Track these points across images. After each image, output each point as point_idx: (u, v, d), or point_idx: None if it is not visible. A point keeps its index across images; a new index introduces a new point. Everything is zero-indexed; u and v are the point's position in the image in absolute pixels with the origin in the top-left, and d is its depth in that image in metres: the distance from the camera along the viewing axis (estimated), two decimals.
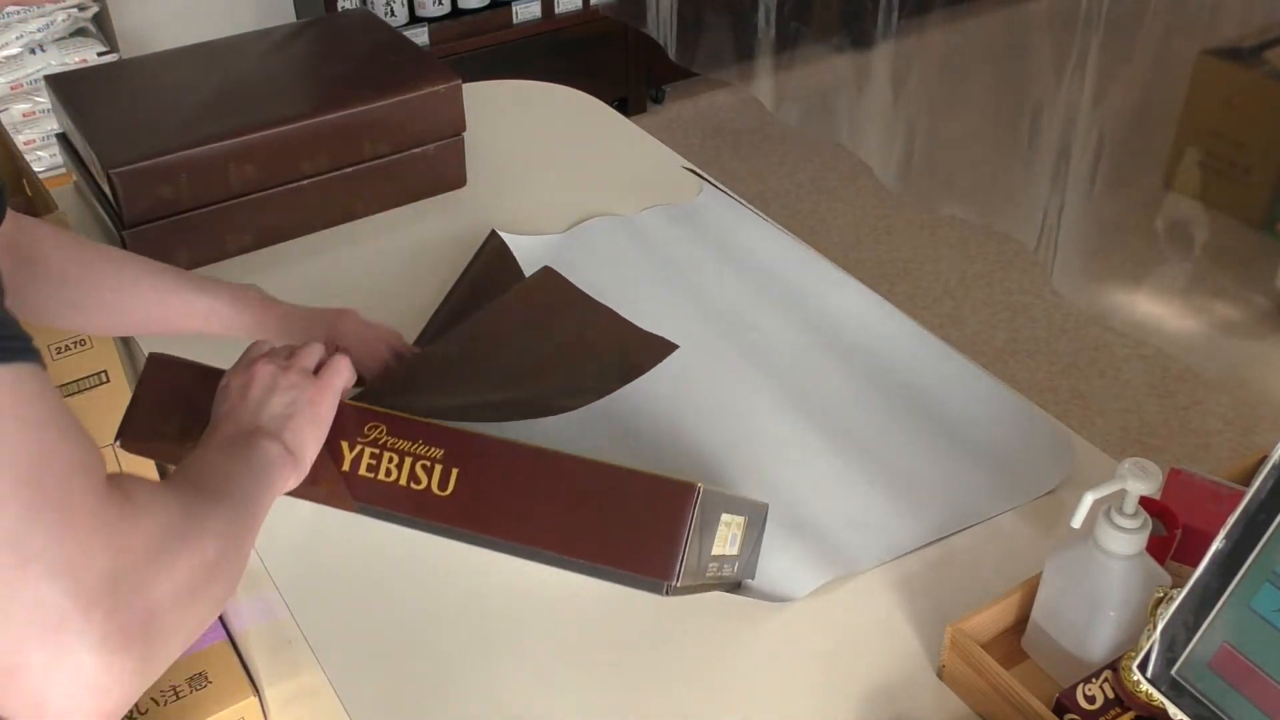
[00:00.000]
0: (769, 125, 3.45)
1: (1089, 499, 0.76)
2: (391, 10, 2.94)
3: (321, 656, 0.90)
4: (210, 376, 0.84)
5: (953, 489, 1.03)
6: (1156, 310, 2.52)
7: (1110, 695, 0.79)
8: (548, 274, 1.23)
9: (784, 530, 0.98)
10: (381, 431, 0.82)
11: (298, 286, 1.16)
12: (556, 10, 3.16)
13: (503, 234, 1.33)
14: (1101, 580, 0.80)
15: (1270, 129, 2.27)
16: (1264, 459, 0.69)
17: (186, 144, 1.25)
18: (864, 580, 0.95)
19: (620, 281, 1.27)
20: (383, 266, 1.33)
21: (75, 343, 1.24)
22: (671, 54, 3.06)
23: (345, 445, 0.82)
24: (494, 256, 1.30)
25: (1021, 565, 0.92)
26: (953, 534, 0.99)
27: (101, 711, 0.53)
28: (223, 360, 0.87)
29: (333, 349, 0.88)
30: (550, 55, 3.18)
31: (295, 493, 0.80)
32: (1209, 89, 2.32)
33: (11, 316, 0.55)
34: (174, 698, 1.38)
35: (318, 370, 0.84)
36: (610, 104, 1.80)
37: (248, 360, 0.84)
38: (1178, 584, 0.73)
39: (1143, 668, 0.72)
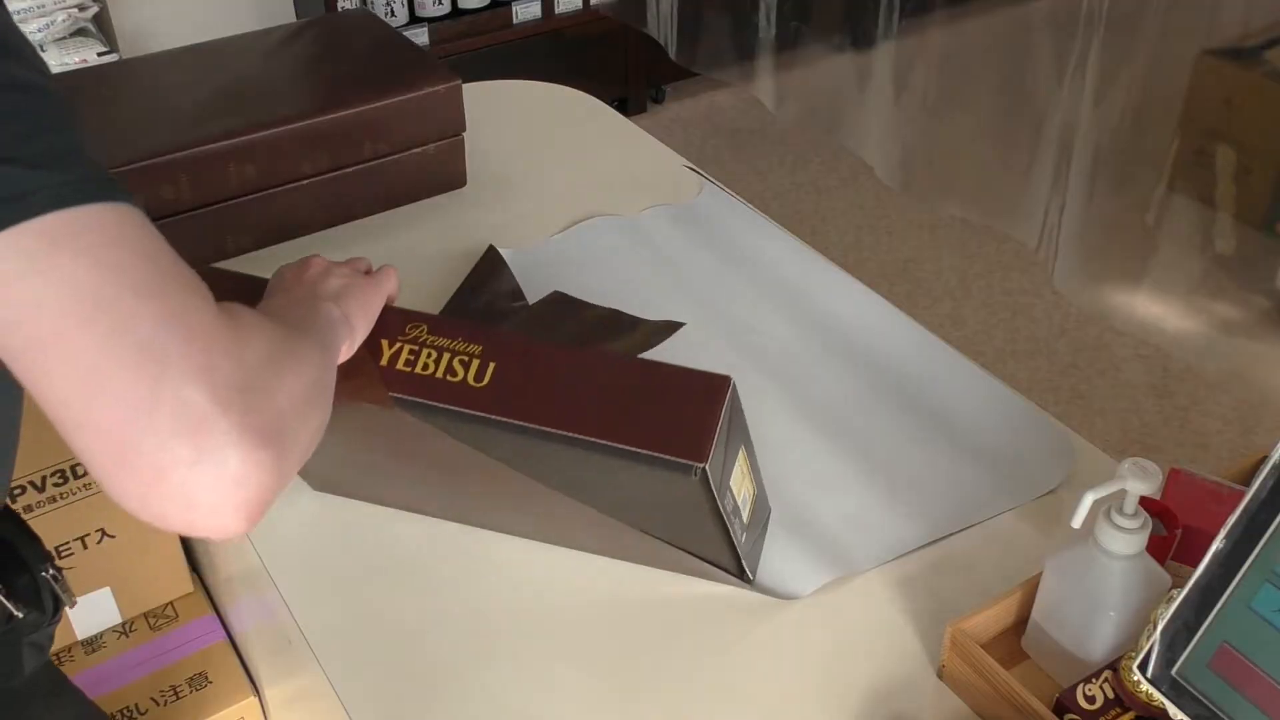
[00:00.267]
0: (769, 125, 3.45)
1: (1089, 499, 0.76)
2: (391, 10, 2.94)
3: (321, 656, 0.90)
4: (263, 285, 0.86)
5: (953, 489, 1.03)
6: (1156, 310, 2.52)
7: (1110, 695, 0.79)
8: (556, 297, 1.24)
9: (784, 530, 0.98)
10: (422, 330, 0.83)
11: None
12: (556, 10, 3.16)
13: (505, 251, 1.33)
14: (1101, 580, 0.80)
15: (1270, 129, 2.27)
16: (1264, 459, 0.69)
17: (186, 144, 1.25)
18: (864, 580, 0.95)
19: (620, 281, 1.27)
20: None
21: None
22: (672, 54, 3.06)
23: (385, 343, 0.83)
24: (489, 272, 1.29)
25: (1021, 565, 0.92)
26: (953, 534, 0.99)
27: (246, 507, 0.56)
28: None
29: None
30: (550, 55, 3.18)
31: None
32: (1209, 89, 2.32)
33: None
34: (174, 698, 1.38)
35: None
36: (610, 104, 1.80)
37: (301, 259, 0.86)
38: (1178, 584, 0.73)
39: (1143, 668, 0.72)
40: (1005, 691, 0.81)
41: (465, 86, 1.42)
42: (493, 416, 0.79)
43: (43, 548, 0.86)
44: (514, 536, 0.98)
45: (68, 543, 1.29)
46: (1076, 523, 0.77)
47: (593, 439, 0.77)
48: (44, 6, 2.52)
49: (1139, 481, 0.77)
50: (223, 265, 1.20)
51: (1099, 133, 2.18)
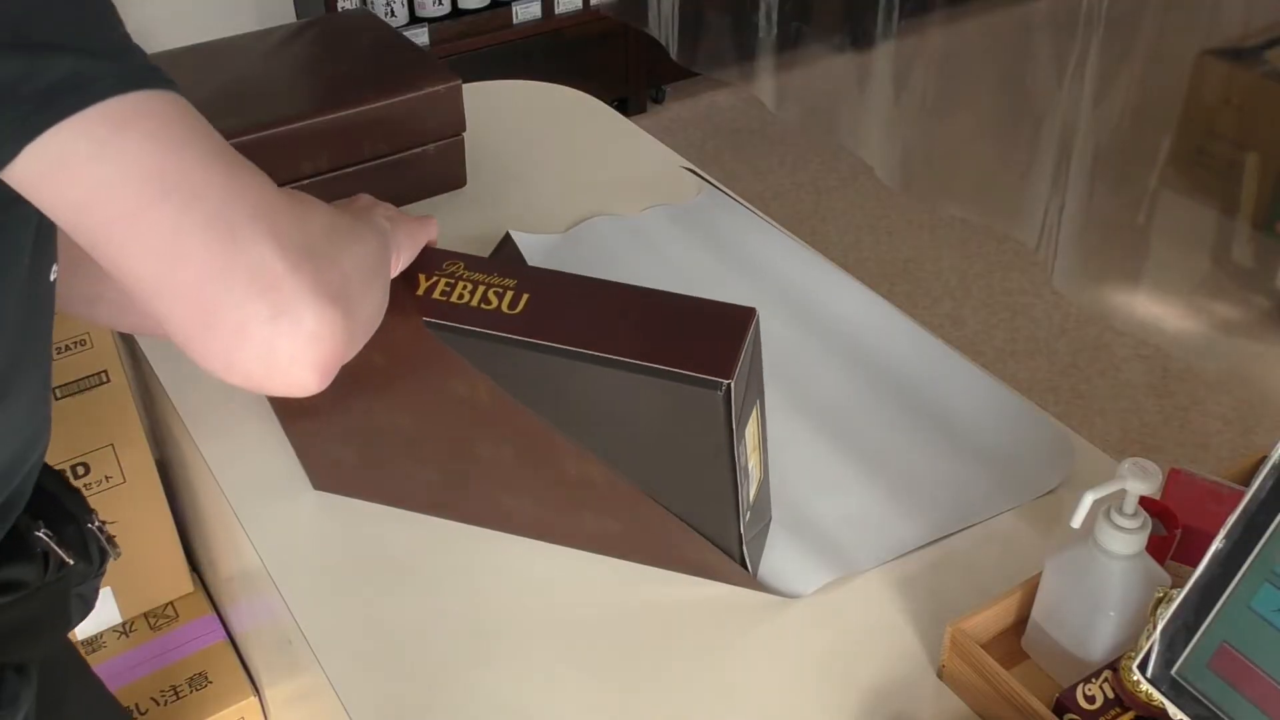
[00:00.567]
0: (769, 125, 3.45)
1: (1089, 499, 0.76)
2: (391, 10, 2.94)
3: (321, 656, 0.90)
4: None
5: (953, 489, 1.03)
6: (1156, 310, 2.52)
7: (1110, 695, 0.79)
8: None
9: (785, 530, 0.98)
10: (459, 266, 0.86)
11: None
12: (556, 10, 3.16)
13: (514, 234, 1.33)
14: (1101, 580, 0.80)
15: (1270, 129, 2.27)
16: (1264, 459, 0.69)
17: None
18: (864, 580, 0.95)
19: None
20: None
21: (75, 343, 1.24)
22: (673, 53, 3.06)
23: (422, 276, 0.85)
24: (510, 258, 1.30)
25: (1021, 565, 0.92)
26: (953, 534, 0.99)
27: (320, 360, 0.60)
28: None
29: None
30: (550, 55, 3.18)
31: None
32: (1209, 89, 2.32)
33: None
34: (174, 698, 1.38)
35: None
36: (610, 104, 1.80)
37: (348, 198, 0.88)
38: (1178, 584, 0.73)
39: (1142, 668, 0.72)
40: (1005, 691, 0.81)
41: (465, 86, 1.42)
42: (524, 338, 0.81)
43: (86, 501, 0.89)
44: (514, 536, 0.98)
45: None
46: (1076, 523, 0.77)
47: (621, 358, 0.80)
48: None
49: (1139, 481, 0.77)
50: None
51: (1098, 132, 2.19)
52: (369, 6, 2.88)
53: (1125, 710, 0.78)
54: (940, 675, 0.87)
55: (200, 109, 0.61)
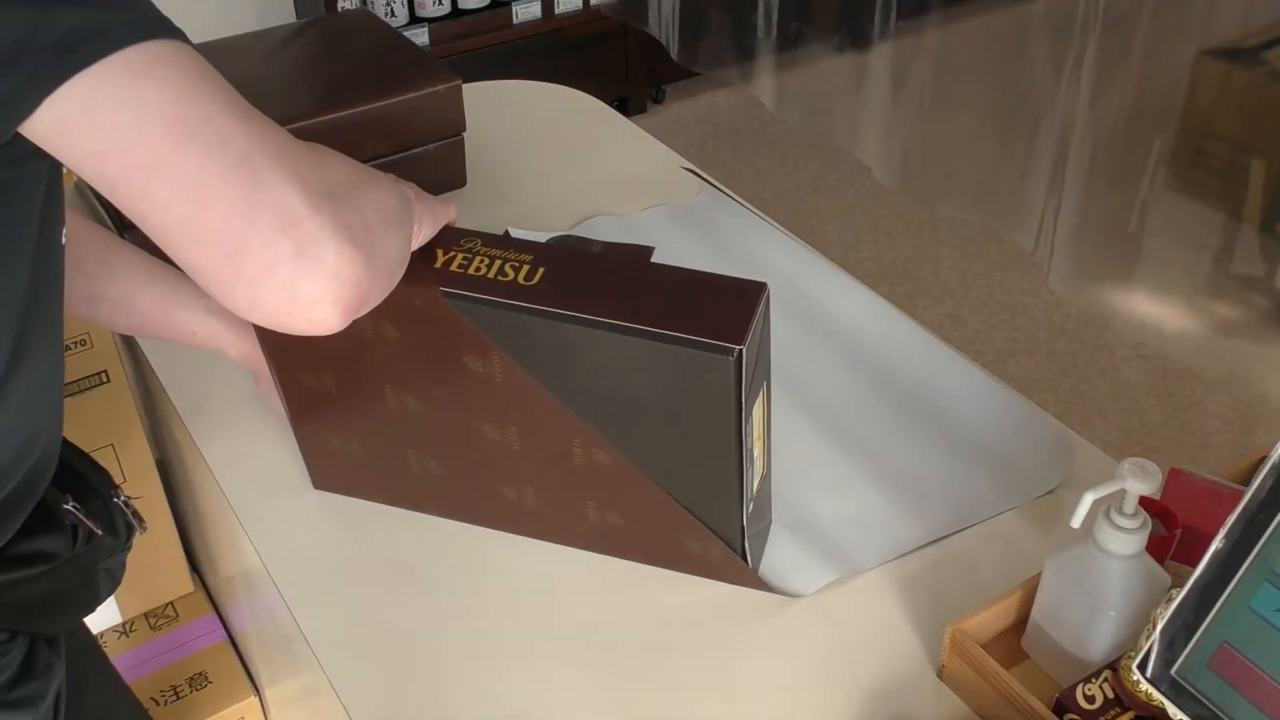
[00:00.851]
0: (769, 125, 3.45)
1: (1089, 499, 0.76)
2: (391, 10, 2.94)
3: (321, 656, 0.90)
4: None
5: (953, 489, 1.03)
6: (1156, 310, 2.52)
7: (1110, 695, 0.79)
8: None
9: (785, 530, 0.98)
10: (477, 243, 0.87)
11: None
12: (556, 10, 3.16)
13: (514, 231, 1.33)
14: (1101, 580, 0.80)
15: (1270, 129, 2.27)
16: (1264, 459, 0.69)
17: None
18: (864, 580, 0.95)
19: None
20: None
21: (75, 343, 1.24)
22: (673, 53, 3.06)
23: (440, 251, 0.87)
24: None
25: (1021, 565, 0.92)
26: (953, 534, 0.99)
27: (342, 297, 0.62)
28: (233, 370, 0.86)
29: None
30: (550, 55, 3.18)
31: None
32: (1208, 89, 2.32)
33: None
34: (174, 698, 1.38)
35: None
36: (610, 104, 1.80)
37: None
38: (1177, 584, 0.73)
39: (1142, 668, 0.72)
40: (1005, 691, 0.81)
41: (465, 86, 1.42)
42: (539, 307, 0.82)
43: (111, 477, 0.90)
44: (515, 536, 0.99)
45: None
46: (1076, 523, 0.77)
47: (634, 324, 0.81)
48: None
49: (1139, 481, 0.77)
50: None
51: (1095, 133, 2.19)
52: (369, 6, 2.88)
53: (1125, 710, 0.78)
54: (940, 675, 0.87)
55: None
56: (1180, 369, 2.47)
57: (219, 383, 1.13)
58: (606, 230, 1.38)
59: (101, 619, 1.43)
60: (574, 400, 0.86)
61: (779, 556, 0.96)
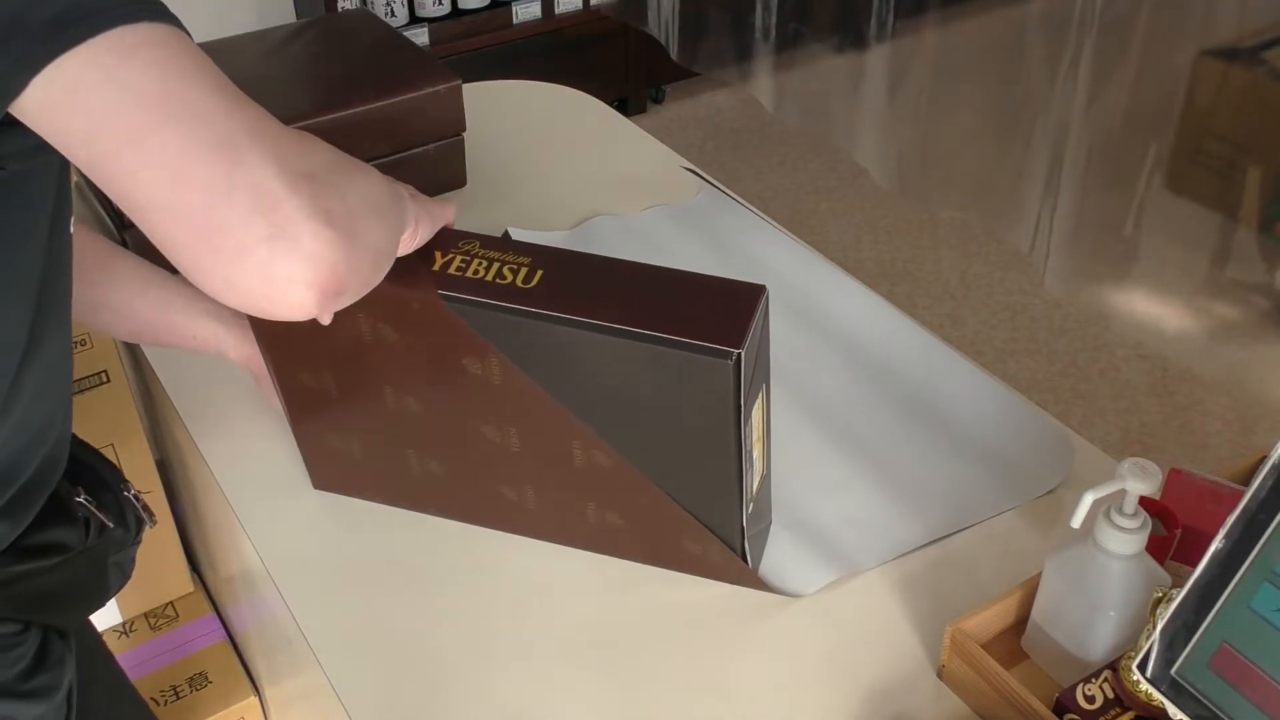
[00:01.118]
0: (769, 125, 3.45)
1: (1089, 499, 0.76)
2: (391, 10, 2.94)
3: (321, 656, 0.90)
4: None
5: (953, 489, 1.03)
6: (1156, 311, 2.53)
7: (1110, 695, 0.79)
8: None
9: (785, 530, 0.98)
10: (475, 245, 0.87)
11: None
12: (556, 10, 3.16)
13: (515, 231, 1.33)
14: (1101, 580, 0.80)
15: (1270, 129, 2.27)
16: (1264, 459, 0.69)
17: None
18: (864, 580, 0.95)
19: None
20: None
21: (76, 343, 1.24)
22: (673, 53, 3.06)
23: (438, 253, 0.86)
24: None
25: (1021, 565, 0.92)
26: (953, 534, 0.99)
27: (318, 280, 0.62)
28: (233, 370, 0.86)
29: None
30: (550, 55, 3.18)
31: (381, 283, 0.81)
32: (1208, 89, 2.32)
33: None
34: (174, 698, 1.38)
35: None
36: (610, 104, 1.80)
37: None
38: (1177, 584, 0.73)
39: (1142, 668, 0.72)
40: (1005, 691, 0.81)
41: (465, 86, 1.42)
42: (537, 310, 0.82)
43: (121, 472, 0.91)
44: (515, 536, 0.99)
45: None
46: (1076, 523, 0.78)
47: (633, 328, 0.81)
48: None
49: (1139, 481, 0.77)
50: None
51: (1092, 134, 2.19)
52: (369, 6, 2.88)
53: (1125, 710, 0.78)
54: (940, 675, 0.87)
55: None
56: (1180, 369, 2.48)
57: (219, 383, 1.13)
58: (606, 230, 1.38)
59: (102, 619, 1.43)
60: (573, 402, 0.86)
61: (779, 556, 0.96)
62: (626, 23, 3.21)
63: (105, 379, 1.28)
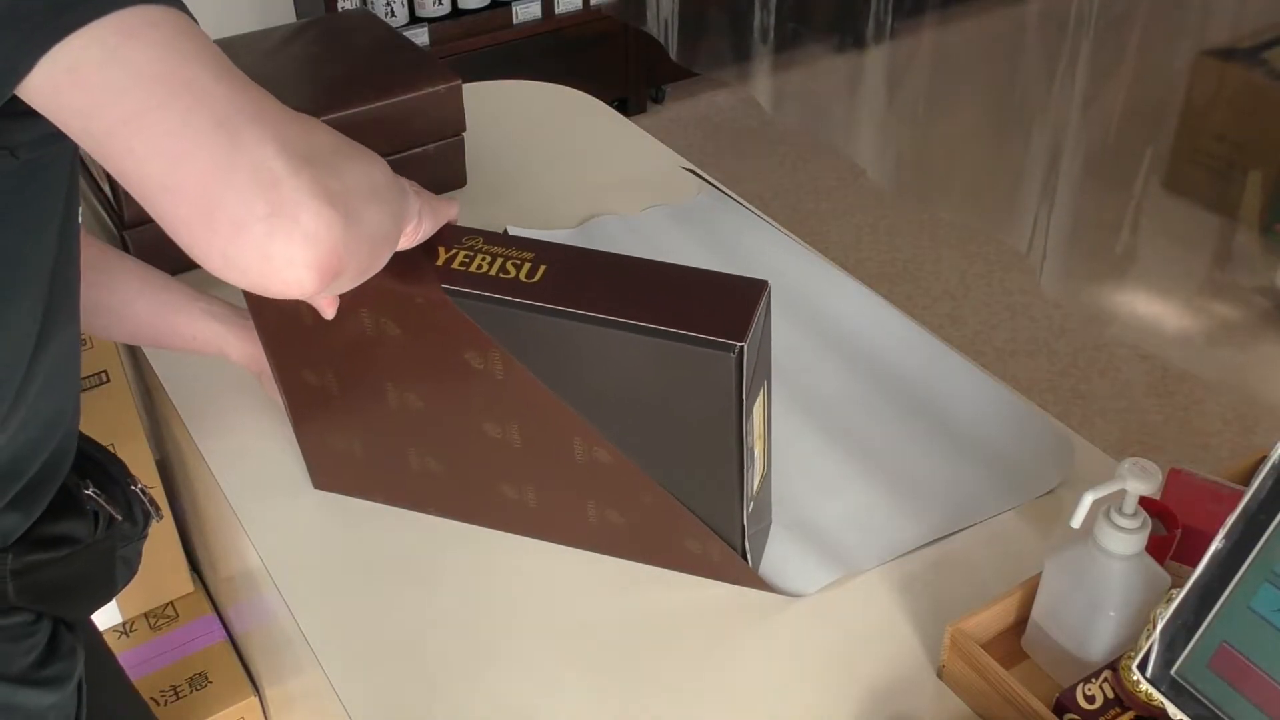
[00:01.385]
0: (769, 125, 3.45)
1: (1089, 499, 0.76)
2: (391, 10, 2.94)
3: (321, 656, 0.90)
4: None
5: (953, 489, 1.03)
6: (1156, 310, 2.53)
7: (1110, 695, 0.79)
8: None
9: (785, 530, 0.98)
10: (479, 241, 0.87)
11: None
12: (556, 10, 3.16)
13: (515, 230, 1.33)
14: (1101, 580, 0.80)
15: (1270, 129, 2.27)
16: (1264, 459, 0.69)
17: None
18: (864, 580, 0.95)
19: None
20: None
21: None
22: (673, 54, 3.06)
23: (442, 249, 0.87)
24: None
25: (1021, 565, 0.92)
26: (953, 534, 0.99)
27: (316, 260, 0.61)
28: (233, 370, 0.86)
29: None
30: (550, 55, 3.18)
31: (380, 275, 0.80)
32: (1207, 89, 2.32)
33: None
34: (174, 698, 1.38)
35: None
36: (610, 104, 1.80)
37: None
38: (1177, 584, 0.73)
39: (1142, 668, 0.72)
40: (1005, 691, 0.81)
41: (465, 86, 1.42)
42: (540, 304, 0.82)
43: (127, 468, 0.92)
44: (515, 536, 0.99)
45: None
46: (1076, 523, 0.78)
47: (635, 322, 0.81)
48: None
49: (1139, 481, 0.77)
50: None
51: (1090, 134, 2.19)
52: (369, 6, 2.88)
53: (1125, 710, 0.78)
54: (940, 675, 0.87)
55: None
56: (1180, 369, 2.48)
57: (219, 382, 1.13)
58: (606, 230, 1.38)
59: (102, 618, 1.43)
60: (575, 398, 0.86)
61: (779, 556, 0.96)
62: (626, 23, 3.21)
63: (105, 379, 1.28)
